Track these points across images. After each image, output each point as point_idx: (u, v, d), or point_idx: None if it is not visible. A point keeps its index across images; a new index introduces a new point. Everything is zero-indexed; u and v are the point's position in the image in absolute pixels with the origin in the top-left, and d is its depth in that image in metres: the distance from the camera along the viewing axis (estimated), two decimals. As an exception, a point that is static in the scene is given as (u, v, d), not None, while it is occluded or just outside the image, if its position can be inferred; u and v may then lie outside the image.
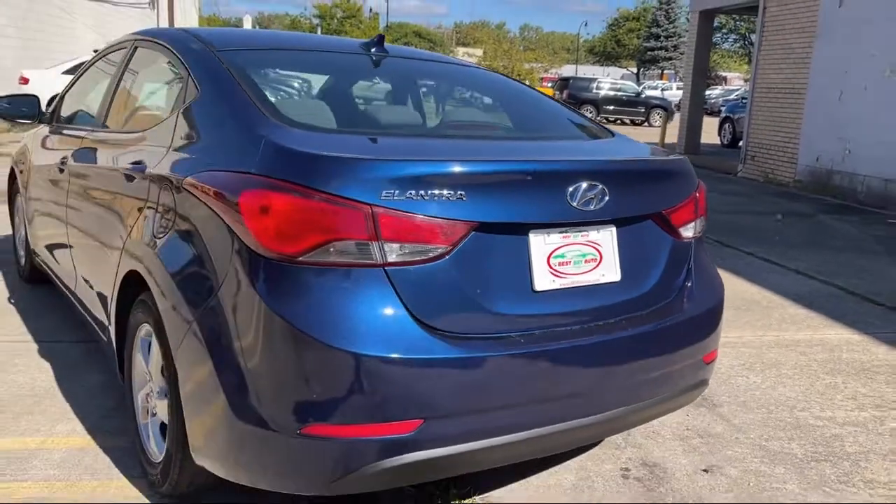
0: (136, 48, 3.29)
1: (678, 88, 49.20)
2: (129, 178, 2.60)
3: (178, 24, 30.92)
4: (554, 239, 2.15)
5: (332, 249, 1.88)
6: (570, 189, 2.12)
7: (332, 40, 3.49)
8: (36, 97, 4.11)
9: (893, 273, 6.23)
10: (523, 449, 2.16)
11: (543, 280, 2.12)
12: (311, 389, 1.87)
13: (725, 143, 19.80)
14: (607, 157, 2.44)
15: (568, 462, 2.85)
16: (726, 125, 20.10)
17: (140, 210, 2.50)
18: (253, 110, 2.26)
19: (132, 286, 2.58)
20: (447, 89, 3.56)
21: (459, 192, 1.96)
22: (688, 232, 2.50)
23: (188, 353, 2.11)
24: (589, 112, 31.02)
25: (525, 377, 2.05)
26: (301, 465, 1.95)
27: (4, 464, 2.65)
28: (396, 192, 1.90)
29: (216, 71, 2.52)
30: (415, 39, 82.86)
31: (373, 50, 3.02)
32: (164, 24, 29.59)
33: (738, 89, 58.14)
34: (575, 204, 2.12)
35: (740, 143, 17.24)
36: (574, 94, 31.40)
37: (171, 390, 2.26)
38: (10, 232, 6.00)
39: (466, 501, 2.53)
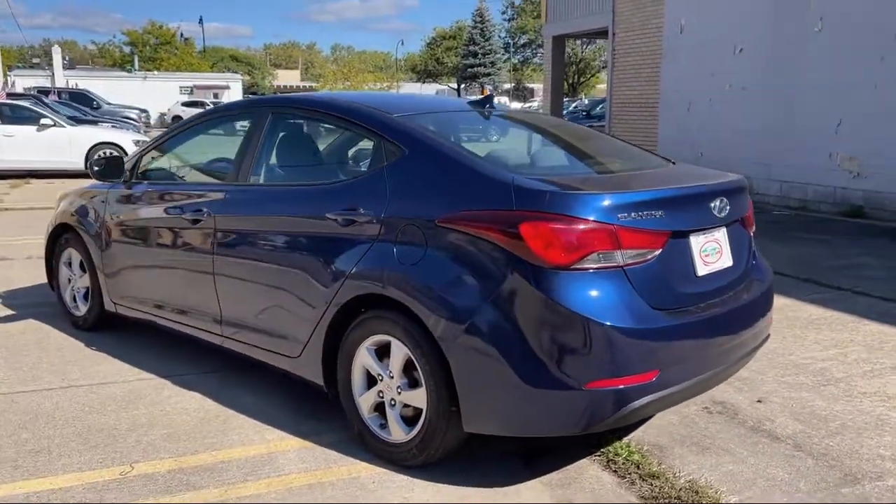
0: (271, 114, 3.86)
1: (499, 102, 52.41)
2: (348, 221, 3.25)
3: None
4: (701, 239, 3.10)
5: (591, 257, 2.73)
6: (712, 204, 3.09)
7: (452, 100, 4.24)
8: (121, 158, 4.52)
9: (781, 251, 7.80)
10: (702, 387, 3.10)
11: (701, 268, 3.07)
12: (589, 354, 2.70)
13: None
14: (722, 180, 3.42)
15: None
16: (570, 136, 22.24)
17: (370, 245, 3.16)
18: (476, 162, 3.04)
19: (349, 308, 3.25)
20: (561, 133, 4.35)
21: (661, 211, 2.88)
22: (752, 229, 3.55)
23: (463, 346, 2.84)
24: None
25: (703, 335, 2.99)
26: (580, 411, 2.76)
27: (257, 466, 3.20)
28: (627, 214, 2.78)
29: (413, 133, 3.26)
30: (232, 63, 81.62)
31: (487, 106, 3.85)
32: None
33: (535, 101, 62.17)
34: (715, 213, 3.10)
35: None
36: (416, 113, 32.88)
37: (430, 380, 2.96)
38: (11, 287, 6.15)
39: (623, 442, 3.41)
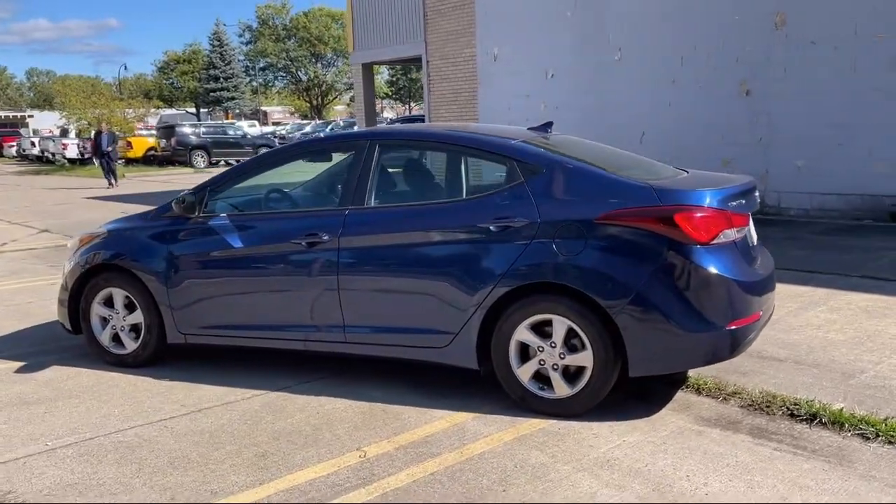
0: (378, 146, 4.48)
1: (250, 126, 51.69)
2: (503, 227, 4.03)
3: None
4: (750, 221, 4.35)
5: (719, 235, 3.84)
6: (755, 194, 4.36)
7: (520, 129, 5.02)
8: (195, 195, 4.79)
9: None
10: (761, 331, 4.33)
11: (752, 241, 4.32)
12: (728, 302, 3.82)
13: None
14: (753, 179, 4.66)
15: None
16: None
17: (526, 244, 3.97)
18: (610, 173, 4.03)
19: (504, 298, 4.04)
20: (613, 150, 5.23)
21: (743, 200, 4.08)
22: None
23: (631, 311, 3.80)
24: (202, 158, 31.84)
25: (763, 290, 4.21)
26: (721, 345, 3.85)
27: (458, 433, 3.88)
28: (733, 203, 3.95)
29: (546, 156, 4.16)
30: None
31: (549, 130, 4.81)
32: None
33: (287, 124, 62.40)
34: (756, 201, 4.37)
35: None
36: (183, 141, 31.76)
37: (597, 343, 3.88)
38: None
39: (693, 378, 4.55)
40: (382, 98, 73.11)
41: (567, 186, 4.06)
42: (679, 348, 3.86)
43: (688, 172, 4.87)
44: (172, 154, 32.04)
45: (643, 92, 12.23)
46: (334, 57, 70.58)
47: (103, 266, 5.10)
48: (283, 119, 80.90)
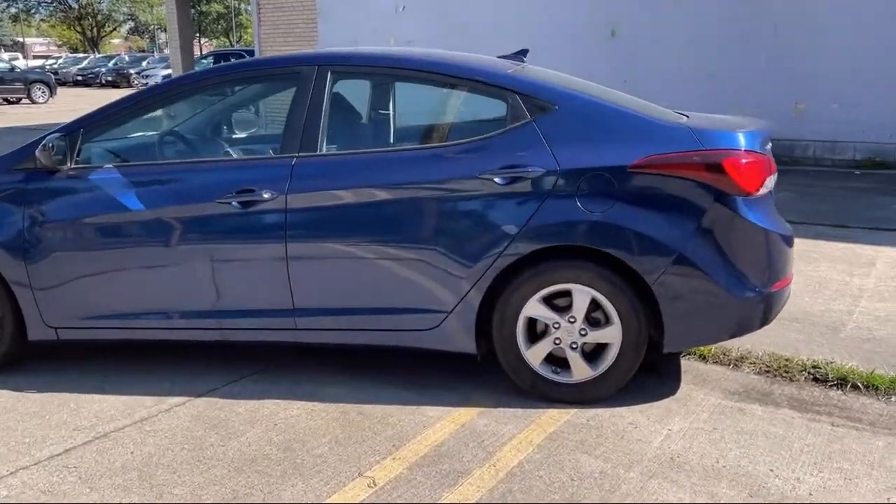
0: (329, 73, 3.44)
1: (12, 59, 45.20)
2: (511, 179, 3.22)
3: None
4: (768, 164, 3.86)
5: (763, 185, 3.29)
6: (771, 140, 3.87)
7: (492, 59, 4.07)
8: (66, 140, 3.47)
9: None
10: None
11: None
12: (773, 262, 3.32)
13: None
14: None
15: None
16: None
17: (543, 199, 3.21)
18: (639, 112, 3.34)
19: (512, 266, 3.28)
20: (602, 88, 4.42)
21: (770, 144, 3.56)
22: None
23: (672, 276, 3.18)
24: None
25: (792, 247, 3.75)
26: (763, 309, 3.33)
27: (474, 438, 3.11)
28: (767, 146, 3.42)
29: (558, 90, 3.38)
30: None
31: (524, 60, 4.00)
32: None
33: (61, 57, 55.79)
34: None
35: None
36: (-73, 76, 26.82)
37: (630, 315, 3.23)
38: None
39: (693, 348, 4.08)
40: (165, 31, 66.79)
41: (589, 127, 3.31)
42: (721, 317, 3.31)
43: (688, 116, 4.29)
44: (-80, 92, 27.06)
45: (502, 25, 11.65)
46: (111, -16, 63.52)
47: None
48: (47, 52, 71.59)
